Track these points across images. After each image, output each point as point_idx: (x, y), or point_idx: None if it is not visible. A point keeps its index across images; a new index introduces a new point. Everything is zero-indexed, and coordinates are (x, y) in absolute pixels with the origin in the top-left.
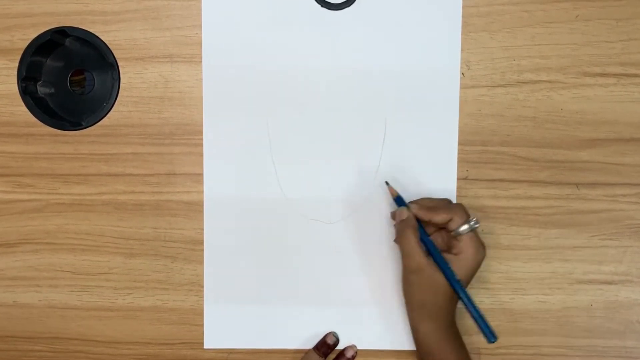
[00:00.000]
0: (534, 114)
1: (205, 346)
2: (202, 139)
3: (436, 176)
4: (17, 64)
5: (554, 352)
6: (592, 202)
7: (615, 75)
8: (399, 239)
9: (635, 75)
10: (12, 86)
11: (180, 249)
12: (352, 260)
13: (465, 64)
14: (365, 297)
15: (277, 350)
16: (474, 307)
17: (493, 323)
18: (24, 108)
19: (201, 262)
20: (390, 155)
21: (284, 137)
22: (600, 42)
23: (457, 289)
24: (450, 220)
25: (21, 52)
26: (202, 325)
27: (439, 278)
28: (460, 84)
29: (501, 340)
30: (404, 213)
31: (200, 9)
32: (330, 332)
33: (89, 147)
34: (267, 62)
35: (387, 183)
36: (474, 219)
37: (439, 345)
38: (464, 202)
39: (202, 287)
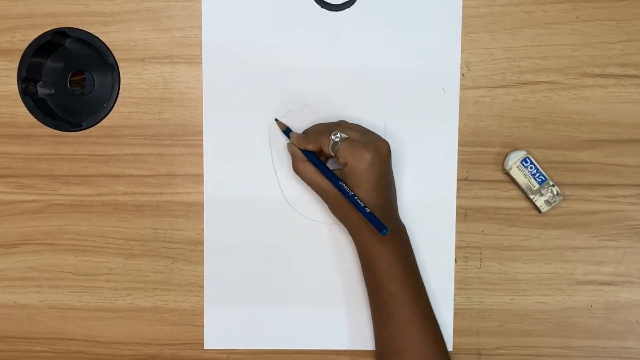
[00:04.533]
0: (534, 115)
1: (206, 347)
2: (202, 140)
3: (436, 177)
4: (17, 65)
5: (554, 353)
6: (592, 203)
7: (615, 76)
8: (297, 173)
9: (635, 76)
10: (12, 87)
11: (181, 249)
12: (352, 261)
13: (465, 64)
14: (365, 298)
15: (277, 350)
16: (360, 205)
17: (493, 324)
18: (24, 109)
19: (201, 263)
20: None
21: (284, 138)
22: (600, 43)
23: (342, 190)
24: (322, 144)
25: (21, 53)
26: (202, 325)
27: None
28: (460, 84)
29: (501, 341)
30: (289, 146)
31: (200, 10)
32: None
33: (89, 148)
34: (267, 63)
35: (276, 119)
36: (332, 134)
37: (373, 250)
38: (464, 203)
39: (202, 287)
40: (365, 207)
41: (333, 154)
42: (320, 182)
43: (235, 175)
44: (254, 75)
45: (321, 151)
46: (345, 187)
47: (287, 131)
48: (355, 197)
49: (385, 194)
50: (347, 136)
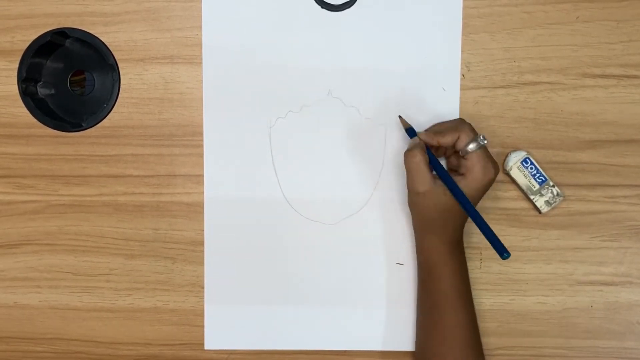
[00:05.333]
0: (534, 115)
1: (206, 347)
2: (202, 140)
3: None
4: (17, 65)
5: (554, 353)
6: (593, 203)
7: (615, 76)
8: (405, 161)
9: (636, 77)
10: (12, 87)
11: (181, 250)
12: (352, 261)
13: (466, 65)
14: (365, 298)
15: (277, 351)
16: (484, 224)
17: (493, 324)
18: (24, 109)
19: (201, 263)
20: (391, 156)
21: (284, 138)
22: (600, 44)
23: (466, 207)
24: (457, 139)
25: (21, 53)
26: (202, 326)
27: (449, 200)
28: (461, 85)
29: (501, 341)
30: (414, 140)
31: (200, 10)
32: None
33: (89, 149)
34: (267, 63)
35: (400, 117)
36: (481, 136)
37: (440, 259)
38: None
39: (203, 288)
40: (488, 226)
41: (463, 154)
42: (425, 180)
43: (235, 175)
44: (254, 75)
45: (439, 148)
46: (469, 202)
47: (410, 130)
48: (480, 216)
49: None
50: (486, 142)
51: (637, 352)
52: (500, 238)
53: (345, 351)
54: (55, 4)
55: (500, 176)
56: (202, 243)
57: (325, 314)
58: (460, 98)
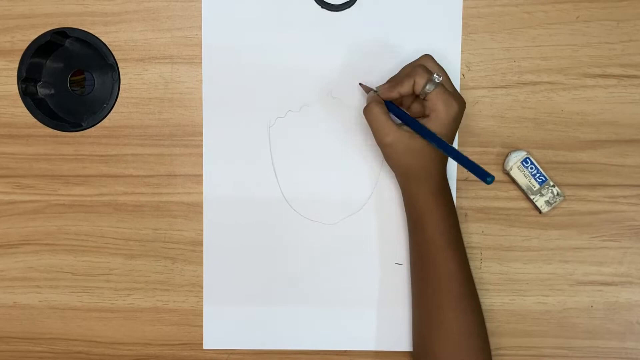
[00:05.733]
0: (535, 115)
1: (205, 347)
2: (202, 140)
3: None
4: (17, 65)
5: (554, 354)
6: (593, 203)
7: (615, 76)
8: (365, 117)
9: (636, 77)
10: (12, 87)
11: (181, 250)
12: (352, 261)
13: (466, 65)
14: (365, 298)
15: (276, 350)
16: (460, 155)
17: (493, 324)
18: (24, 109)
19: (201, 263)
20: None
21: (283, 138)
22: (600, 44)
23: (435, 141)
24: (414, 84)
25: (21, 53)
26: (202, 326)
27: (417, 142)
28: (461, 84)
29: (501, 341)
30: (371, 94)
31: (200, 10)
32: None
33: (89, 148)
34: (267, 64)
35: (360, 84)
36: (435, 74)
37: (425, 207)
38: (464, 203)
39: (202, 288)
40: (465, 156)
41: (422, 96)
42: (389, 130)
43: (235, 175)
44: (254, 75)
45: (406, 94)
46: (439, 137)
47: (362, 85)
48: (455, 149)
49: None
50: (441, 79)
51: (637, 352)
52: (500, 238)
53: (345, 351)
54: (55, 4)
55: (500, 176)
56: (202, 243)
57: (324, 314)
58: None
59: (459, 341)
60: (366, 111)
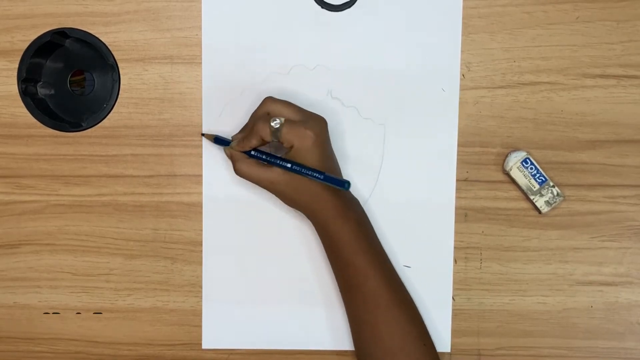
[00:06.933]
0: (534, 116)
1: (204, 346)
2: (201, 140)
3: (436, 177)
4: (17, 65)
5: (554, 354)
6: (592, 203)
7: (615, 76)
8: (241, 176)
9: (636, 77)
10: (12, 87)
11: (180, 250)
12: None
13: (466, 65)
14: None
15: (276, 350)
16: (314, 173)
17: (493, 324)
18: (24, 109)
19: (201, 263)
20: (391, 156)
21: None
22: (600, 44)
23: (299, 172)
24: (262, 135)
25: (21, 53)
26: (201, 326)
27: (289, 175)
28: (460, 85)
29: (501, 342)
30: (227, 151)
31: (200, 10)
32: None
33: (89, 149)
34: (266, 64)
35: (202, 134)
36: (272, 121)
37: (334, 230)
38: (464, 203)
39: (202, 288)
40: (319, 171)
41: (276, 140)
42: (267, 175)
43: (234, 176)
44: (253, 75)
45: (263, 144)
46: (295, 164)
47: (217, 139)
48: (307, 168)
49: (331, 165)
50: (284, 120)
51: (637, 352)
52: (500, 238)
53: (345, 351)
54: (55, 4)
55: (500, 176)
56: (201, 243)
57: (324, 314)
58: (460, 98)
59: (396, 352)
60: (236, 171)
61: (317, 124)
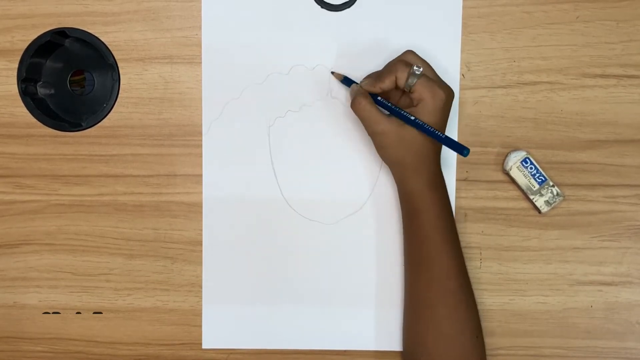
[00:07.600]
0: (534, 115)
1: (204, 346)
2: (201, 140)
3: None
4: (17, 65)
5: (554, 353)
6: (592, 203)
7: (615, 76)
8: (354, 110)
9: (636, 77)
10: (12, 87)
11: (181, 250)
12: (351, 261)
13: (465, 65)
14: (364, 298)
15: (276, 350)
16: (437, 132)
17: (493, 324)
18: (24, 109)
19: (201, 263)
20: None
21: (283, 138)
22: (600, 44)
23: (424, 130)
24: (396, 80)
25: (21, 53)
26: (201, 326)
27: (408, 132)
28: (460, 85)
29: (501, 341)
30: (355, 88)
31: (200, 10)
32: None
33: (89, 148)
34: (266, 63)
35: (332, 72)
36: (414, 66)
37: (423, 200)
38: (464, 203)
39: (202, 288)
40: (440, 133)
41: (407, 89)
42: (384, 122)
43: (234, 175)
44: (253, 74)
45: (390, 91)
46: (419, 120)
47: (346, 79)
48: (430, 127)
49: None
50: (421, 69)
51: (637, 352)
52: (500, 238)
53: (345, 351)
54: (55, 4)
55: (500, 176)
56: (201, 243)
57: (324, 314)
58: (460, 98)
59: (451, 338)
60: (354, 104)
61: (450, 91)
